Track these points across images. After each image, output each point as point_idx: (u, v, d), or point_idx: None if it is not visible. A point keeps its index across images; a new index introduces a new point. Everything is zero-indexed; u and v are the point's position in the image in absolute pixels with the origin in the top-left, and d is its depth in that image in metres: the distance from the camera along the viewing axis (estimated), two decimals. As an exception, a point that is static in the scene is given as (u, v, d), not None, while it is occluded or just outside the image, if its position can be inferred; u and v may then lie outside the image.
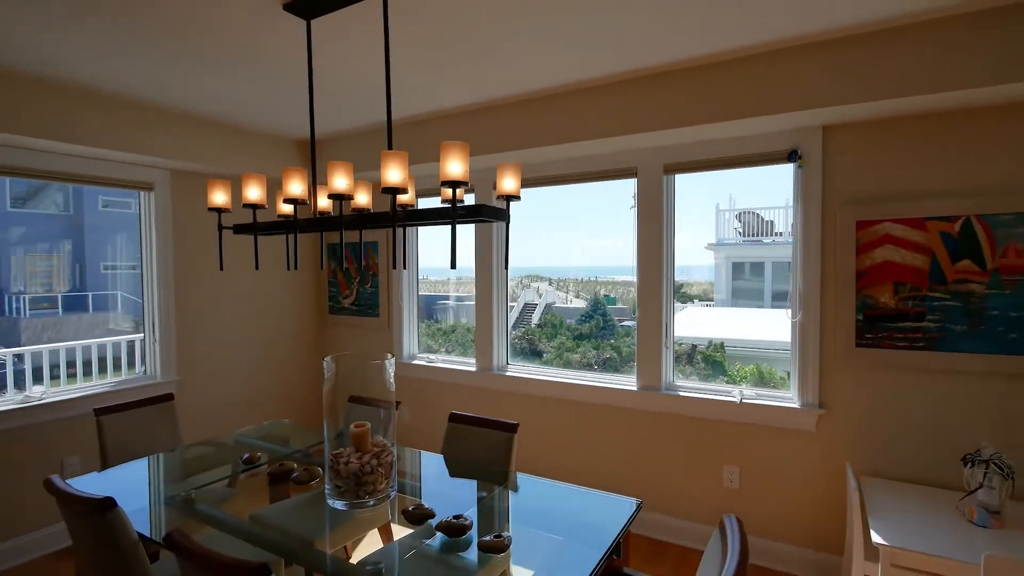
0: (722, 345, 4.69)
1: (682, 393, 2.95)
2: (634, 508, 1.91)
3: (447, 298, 5.33)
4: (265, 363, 4.04)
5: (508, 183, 1.64)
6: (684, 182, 3.06)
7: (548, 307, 6.39)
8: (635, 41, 2.27)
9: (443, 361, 3.90)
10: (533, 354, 4.39)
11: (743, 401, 2.77)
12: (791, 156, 2.64)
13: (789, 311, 2.74)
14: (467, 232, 3.73)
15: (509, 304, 3.66)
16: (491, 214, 1.57)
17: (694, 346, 4.52)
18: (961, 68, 2.06)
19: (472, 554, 1.62)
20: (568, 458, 3.30)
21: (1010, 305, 2.23)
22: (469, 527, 1.72)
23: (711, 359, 4.54)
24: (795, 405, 2.68)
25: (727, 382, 3.29)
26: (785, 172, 2.75)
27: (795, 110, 2.36)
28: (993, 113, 2.26)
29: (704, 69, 2.53)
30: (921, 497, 2.26)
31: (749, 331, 5.64)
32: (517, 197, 1.66)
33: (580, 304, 6.18)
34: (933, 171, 2.38)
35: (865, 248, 2.49)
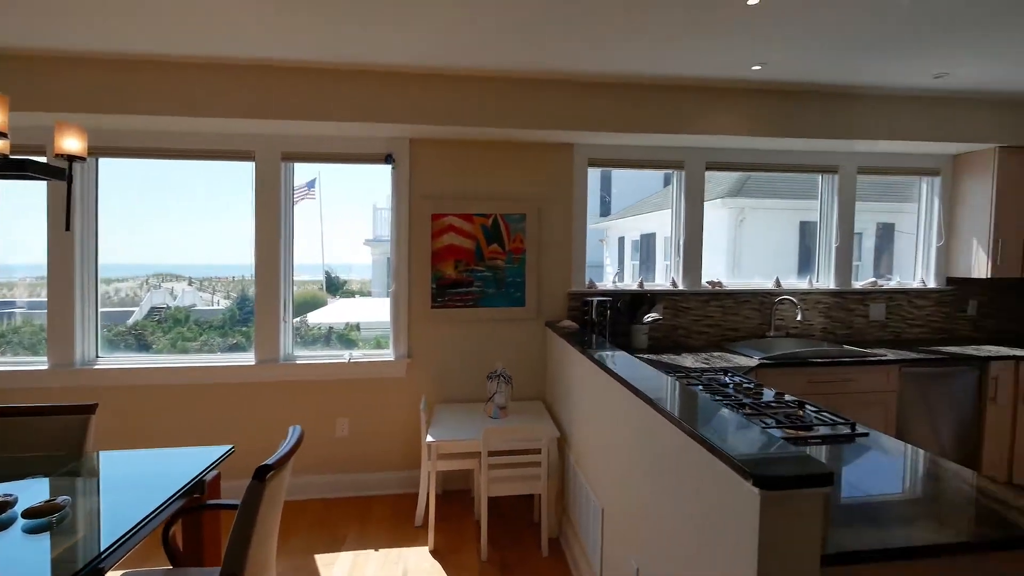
0: (358, 326, 5.27)
1: (299, 362, 3.30)
2: (222, 453, 2.08)
3: None
4: None
5: (70, 143, 1.66)
6: (337, 178, 3.46)
7: (187, 310, 5.79)
8: (263, 31, 2.51)
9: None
10: (141, 347, 4.02)
11: (351, 360, 3.31)
12: (387, 159, 3.31)
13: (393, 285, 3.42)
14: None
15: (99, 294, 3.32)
16: (41, 171, 1.56)
17: (331, 327, 4.96)
18: (495, 113, 3.04)
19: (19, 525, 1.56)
20: (184, 439, 3.24)
21: (516, 274, 3.38)
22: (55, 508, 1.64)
23: (345, 337, 5.06)
24: (391, 358, 3.36)
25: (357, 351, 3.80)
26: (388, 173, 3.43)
27: (390, 122, 3.01)
28: (507, 145, 3.39)
29: (324, 73, 2.95)
30: (467, 409, 3.19)
31: (384, 314, 6.42)
32: (82, 158, 1.70)
33: (226, 305, 5.82)
34: (478, 180, 3.38)
35: (437, 234, 3.34)
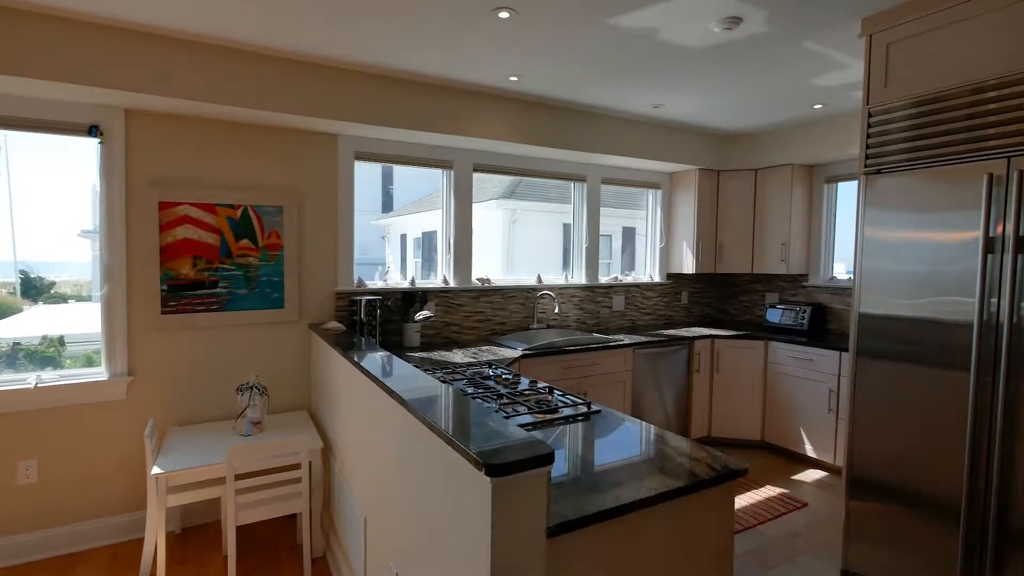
0: (61, 339, 4.16)
1: (-43, 390, 2.45)
2: None
3: None
4: None
5: None
6: (38, 149, 2.57)
7: None
8: None
9: None
10: None
11: (39, 386, 2.57)
12: (91, 131, 2.66)
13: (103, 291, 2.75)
14: None
15: None
16: None
17: (15, 344, 3.81)
18: (252, 93, 2.64)
19: None
20: None
21: (273, 273, 3.03)
22: None
23: (39, 355, 3.96)
24: (104, 377, 2.71)
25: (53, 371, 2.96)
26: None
27: (97, 85, 2.39)
28: (262, 129, 3.02)
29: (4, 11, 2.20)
30: (213, 430, 2.75)
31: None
32: None
33: None
34: (222, 166, 2.93)
35: (168, 226, 2.80)
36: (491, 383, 2.38)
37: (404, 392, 1.61)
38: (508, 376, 2.50)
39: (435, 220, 3.86)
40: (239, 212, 2.95)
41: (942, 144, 2.10)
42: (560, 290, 4.17)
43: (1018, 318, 1.90)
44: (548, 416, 1.96)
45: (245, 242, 2.96)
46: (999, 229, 1.94)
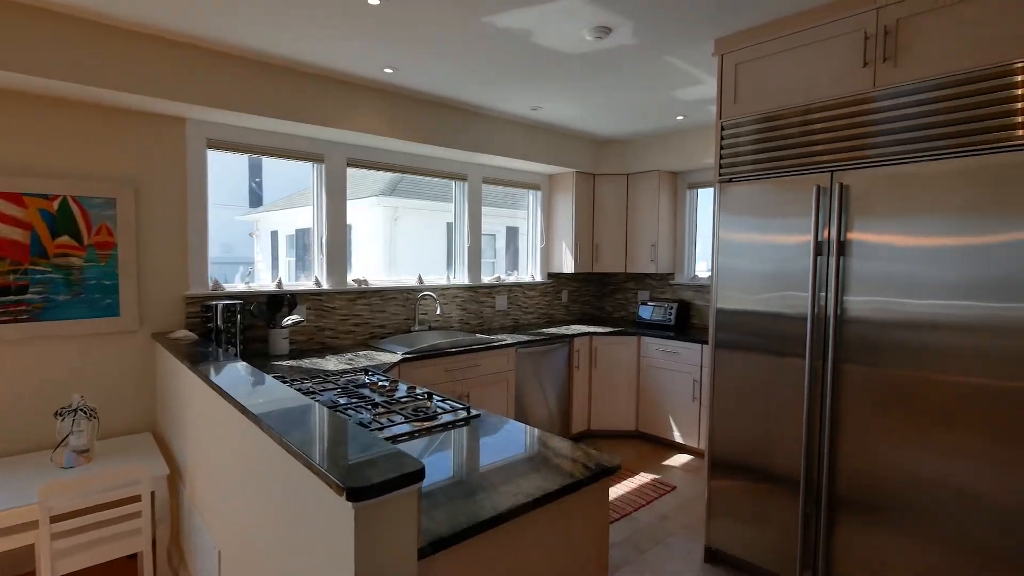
0: None
1: None
2: None
3: None
4: None
5: None
6: None
7: None
8: None
9: None
10: None
11: None
12: None
13: None
14: None
15: None
16: None
17: None
18: (50, 60, 2.21)
19: None
20: None
21: (104, 275, 2.61)
22: None
23: None
24: None
25: None
26: None
27: None
28: (91, 109, 2.57)
29: None
30: (27, 464, 2.29)
31: None
32: None
33: None
34: (32, 149, 2.46)
35: (-44, 219, 2.29)
36: (366, 391, 2.23)
37: (259, 408, 1.43)
38: (385, 383, 2.37)
39: (309, 217, 3.59)
40: (56, 204, 2.49)
41: (780, 157, 2.35)
42: (443, 291, 4.09)
43: (841, 311, 2.17)
44: (426, 424, 1.88)
45: (65, 239, 2.51)
46: (825, 234, 2.20)
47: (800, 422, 2.30)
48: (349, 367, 2.81)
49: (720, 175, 2.56)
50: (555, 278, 4.96)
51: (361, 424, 1.78)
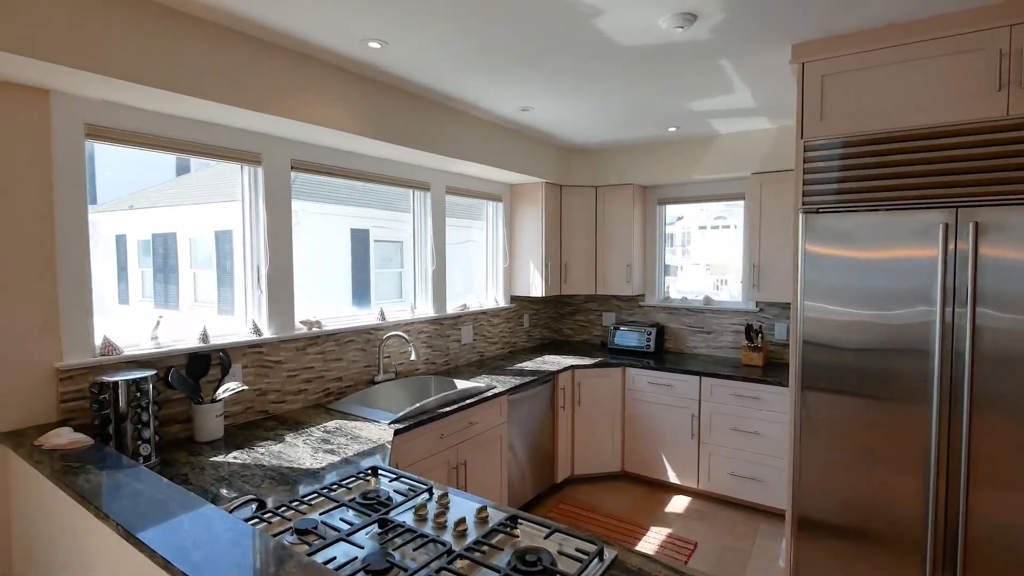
0: None
1: None
2: None
3: None
4: None
5: None
6: None
7: None
8: None
9: None
10: None
11: None
12: None
13: None
14: None
15: None
16: None
17: None
18: None
19: None
20: None
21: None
22: None
23: None
24: None
25: None
26: None
27: None
28: None
29: None
30: None
31: None
32: None
33: None
34: None
35: None
36: (407, 518, 1.49)
37: None
38: (424, 494, 1.63)
39: (174, 218, 2.66)
40: None
41: (888, 188, 2.03)
42: (407, 326, 3.31)
43: (975, 355, 1.90)
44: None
45: None
46: (952, 280, 1.93)
47: (919, 475, 2.01)
48: (336, 459, 1.99)
49: (804, 204, 2.19)
50: (517, 301, 4.38)
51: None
